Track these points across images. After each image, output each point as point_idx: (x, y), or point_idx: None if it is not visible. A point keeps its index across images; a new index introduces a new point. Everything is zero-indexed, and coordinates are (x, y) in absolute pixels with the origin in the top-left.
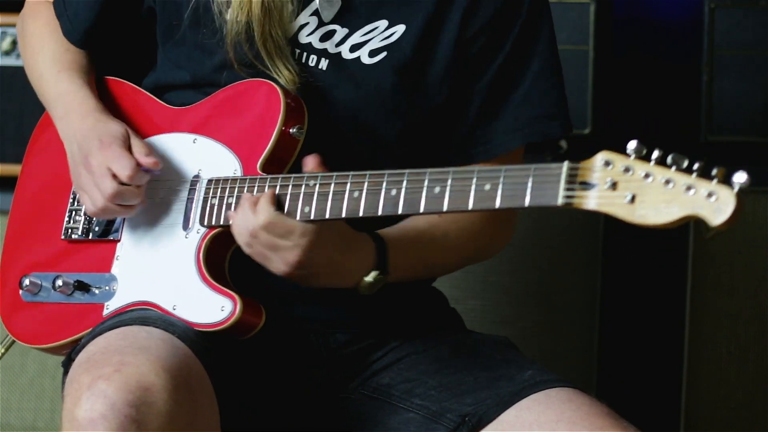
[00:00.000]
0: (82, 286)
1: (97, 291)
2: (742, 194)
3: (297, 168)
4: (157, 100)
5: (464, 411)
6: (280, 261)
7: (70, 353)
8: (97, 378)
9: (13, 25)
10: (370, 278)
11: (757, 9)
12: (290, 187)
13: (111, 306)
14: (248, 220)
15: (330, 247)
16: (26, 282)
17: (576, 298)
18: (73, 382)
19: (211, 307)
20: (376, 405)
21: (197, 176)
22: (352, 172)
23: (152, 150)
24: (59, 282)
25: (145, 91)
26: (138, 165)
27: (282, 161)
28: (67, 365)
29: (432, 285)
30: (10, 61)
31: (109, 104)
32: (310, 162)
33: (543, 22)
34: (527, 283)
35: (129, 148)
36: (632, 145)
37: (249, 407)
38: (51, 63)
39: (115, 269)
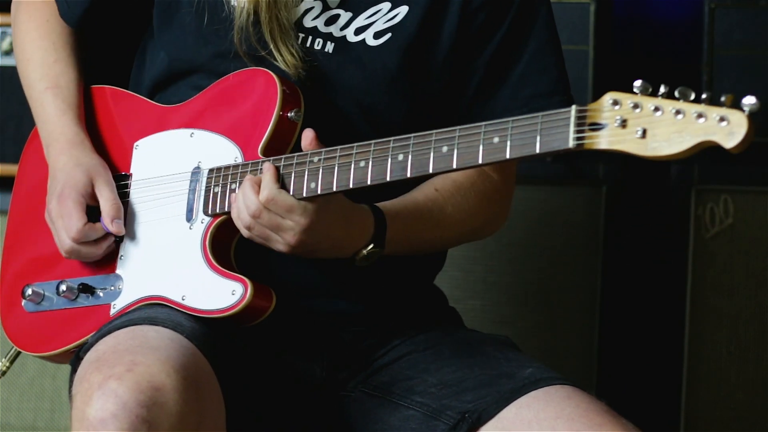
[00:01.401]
0: (87, 289)
1: (101, 293)
2: (753, 117)
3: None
4: (149, 101)
5: (464, 408)
6: (281, 241)
7: (78, 352)
8: (108, 377)
9: None
10: (365, 251)
11: (757, 9)
12: (294, 165)
13: (118, 305)
14: (250, 199)
15: (330, 224)
16: (29, 292)
17: (576, 298)
18: (84, 380)
19: (221, 292)
20: (376, 403)
21: (197, 168)
22: (356, 144)
23: (119, 207)
24: (63, 287)
25: (136, 95)
26: (86, 224)
27: (282, 146)
28: (75, 363)
29: (433, 283)
30: (10, 61)
31: (101, 114)
32: (306, 139)
33: (541, 1)
34: (527, 283)
35: (92, 196)
36: (638, 83)
37: (251, 406)
38: (39, 76)
39: (120, 269)
